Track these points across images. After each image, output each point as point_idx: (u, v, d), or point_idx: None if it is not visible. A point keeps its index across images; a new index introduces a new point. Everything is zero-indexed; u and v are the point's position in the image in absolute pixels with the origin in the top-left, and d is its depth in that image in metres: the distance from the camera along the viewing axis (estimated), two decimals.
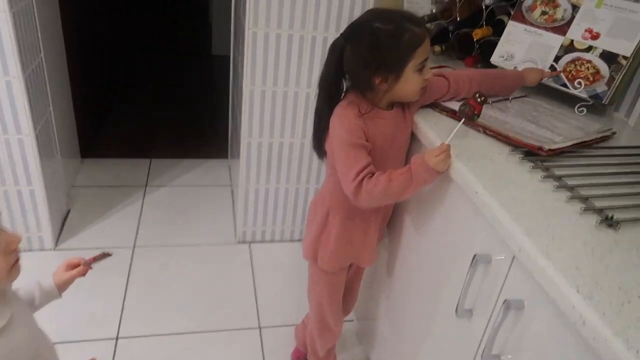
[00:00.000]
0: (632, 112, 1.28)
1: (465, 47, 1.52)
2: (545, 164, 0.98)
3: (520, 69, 1.37)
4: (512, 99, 1.27)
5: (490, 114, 1.14)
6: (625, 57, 1.21)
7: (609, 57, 1.24)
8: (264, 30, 1.60)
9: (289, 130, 1.78)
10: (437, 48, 1.50)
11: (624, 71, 1.21)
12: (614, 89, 1.23)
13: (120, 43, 3.52)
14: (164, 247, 1.91)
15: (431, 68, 1.44)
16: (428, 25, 1.60)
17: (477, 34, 1.44)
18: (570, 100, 1.29)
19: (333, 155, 1.09)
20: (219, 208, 2.17)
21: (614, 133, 1.16)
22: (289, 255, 1.95)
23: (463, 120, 0.97)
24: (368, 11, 1.05)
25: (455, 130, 0.97)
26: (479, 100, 0.95)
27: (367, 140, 1.04)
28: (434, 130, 1.08)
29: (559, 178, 0.93)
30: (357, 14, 1.64)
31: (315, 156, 1.21)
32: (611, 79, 1.23)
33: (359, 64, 1.01)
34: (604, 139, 1.14)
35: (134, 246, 1.90)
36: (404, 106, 1.11)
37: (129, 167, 2.36)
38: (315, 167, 1.88)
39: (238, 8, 1.91)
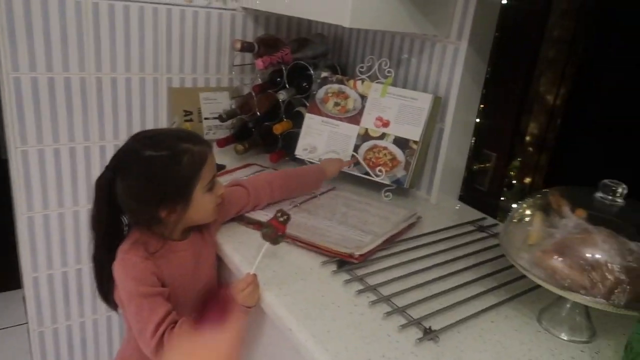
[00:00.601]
0: (431, 190, 1.32)
1: (270, 142, 1.47)
2: (358, 272, 0.91)
3: (323, 159, 1.35)
4: (320, 194, 1.22)
5: (298, 220, 1.06)
6: (415, 142, 1.26)
7: (401, 143, 1.27)
8: (36, 147, 1.36)
9: (87, 254, 1.51)
10: (239, 147, 1.41)
11: (417, 155, 1.26)
12: (412, 173, 1.26)
13: None
14: None
15: (236, 169, 1.36)
16: (230, 121, 1.52)
17: (278, 128, 1.39)
18: (377, 186, 1.29)
19: (124, 309, 0.89)
20: (13, 358, 1.74)
21: (419, 218, 1.17)
22: None
23: (267, 244, 0.86)
24: (133, 137, 0.88)
25: (260, 257, 0.86)
26: (281, 220, 0.86)
27: (163, 284, 0.88)
28: (239, 252, 0.96)
29: (373, 289, 0.87)
30: (150, 121, 1.52)
31: None
32: (407, 163, 1.26)
33: (138, 200, 0.85)
34: (412, 225, 1.14)
35: None
36: (201, 228, 0.97)
37: None
38: None
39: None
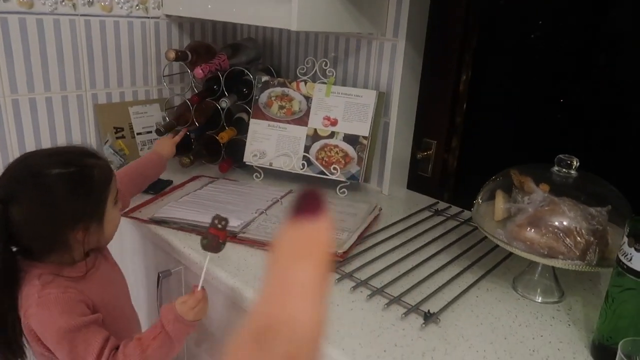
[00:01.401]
0: (382, 182, 1.37)
1: (213, 151, 1.43)
2: (345, 270, 0.93)
3: (275, 164, 1.35)
4: (281, 198, 1.22)
5: (272, 227, 1.05)
6: (365, 137, 1.30)
7: (351, 139, 1.31)
8: None
9: None
10: (185, 160, 1.36)
11: (368, 149, 1.30)
12: (365, 167, 1.30)
13: None
14: None
15: (184, 183, 1.31)
16: (167, 135, 1.46)
17: (224, 137, 1.36)
18: (331, 184, 1.32)
19: (57, 355, 0.80)
20: None
21: (381, 209, 1.22)
22: None
23: (209, 255, 0.83)
24: (24, 159, 0.80)
25: (204, 270, 0.83)
26: (219, 226, 0.82)
27: (94, 310, 0.81)
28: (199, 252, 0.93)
29: (365, 283, 0.89)
30: (77, 142, 1.40)
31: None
32: (360, 158, 1.30)
33: (50, 225, 0.77)
34: (376, 217, 1.17)
35: None
36: (100, 248, 0.91)
37: None
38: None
39: None
